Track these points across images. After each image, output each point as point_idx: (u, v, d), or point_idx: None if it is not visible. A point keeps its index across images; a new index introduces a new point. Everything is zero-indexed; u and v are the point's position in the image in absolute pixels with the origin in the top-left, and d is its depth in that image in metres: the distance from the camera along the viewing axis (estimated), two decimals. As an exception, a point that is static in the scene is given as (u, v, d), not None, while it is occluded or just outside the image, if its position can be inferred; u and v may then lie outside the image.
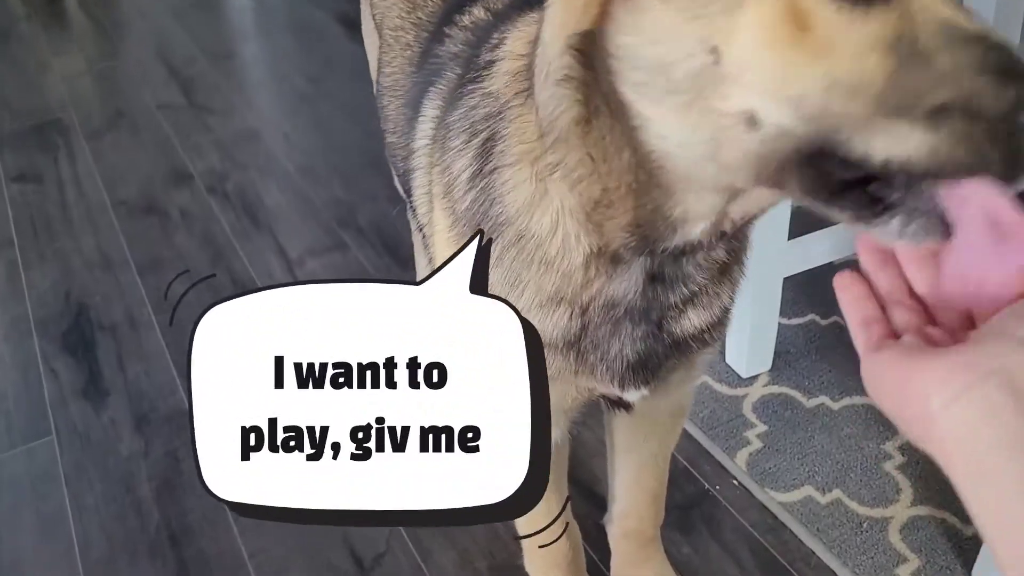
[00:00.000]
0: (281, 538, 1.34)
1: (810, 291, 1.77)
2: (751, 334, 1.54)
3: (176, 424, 1.56)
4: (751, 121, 0.51)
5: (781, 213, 1.43)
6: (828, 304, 1.74)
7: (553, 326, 0.75)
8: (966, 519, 1.29)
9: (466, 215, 0.76)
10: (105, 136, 2.60)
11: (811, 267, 1.58)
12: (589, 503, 1.34)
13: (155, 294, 1.90)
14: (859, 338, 0.54)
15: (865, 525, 1.31)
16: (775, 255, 1.49)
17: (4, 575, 1.32)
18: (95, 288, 1.94)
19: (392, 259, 1.94)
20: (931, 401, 0.46)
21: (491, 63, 0.76)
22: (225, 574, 1.29)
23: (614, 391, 0.81)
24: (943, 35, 0.47)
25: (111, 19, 3.56)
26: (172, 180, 2.33)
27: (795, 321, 1.70)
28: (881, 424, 1.47)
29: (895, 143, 0.48)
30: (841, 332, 1.68)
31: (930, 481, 1.37)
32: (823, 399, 1.53)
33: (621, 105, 0.58)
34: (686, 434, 1.47)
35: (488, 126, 0.74)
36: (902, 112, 0.47)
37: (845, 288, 0.56)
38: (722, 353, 1.60)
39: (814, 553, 1.28)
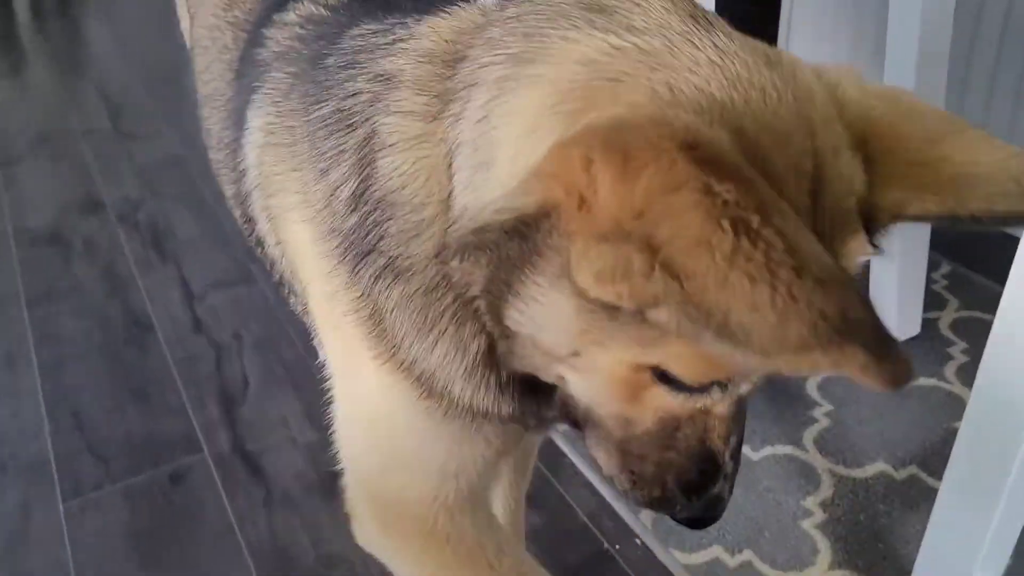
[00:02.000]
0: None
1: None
2: (665, 377, 1.42)
3: (35, 473, 1.42)
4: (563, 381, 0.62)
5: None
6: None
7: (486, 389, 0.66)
8: (887, 586, 1.16)
9: (351, 235, 0.64)
10: (22, 162, 2.48)
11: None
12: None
13: (40, 328, 1.76)
14: None
15: (775, 592, 1.18)
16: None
17: None
18: (-23, 322, 1.81)
19: (299, 293, 1.81)
20: None
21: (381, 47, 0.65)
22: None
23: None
24: (696, 449, 0.61)
25: (63, 43, 3.47)
26: (83, 208, 2.21)
27: (720, 363, 1.58)
28: (803, 477, 1.35)
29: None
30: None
31: (851, 541, 1.24)
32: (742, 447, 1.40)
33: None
34: (589, 487, 1.34)
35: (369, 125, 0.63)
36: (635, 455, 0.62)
37: None
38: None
39: (715, 622, 1.14)
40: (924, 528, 1.05)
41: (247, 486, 1.38)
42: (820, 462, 1.37)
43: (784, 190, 0.48)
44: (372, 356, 0.66)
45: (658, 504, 0.64)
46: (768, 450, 1.40)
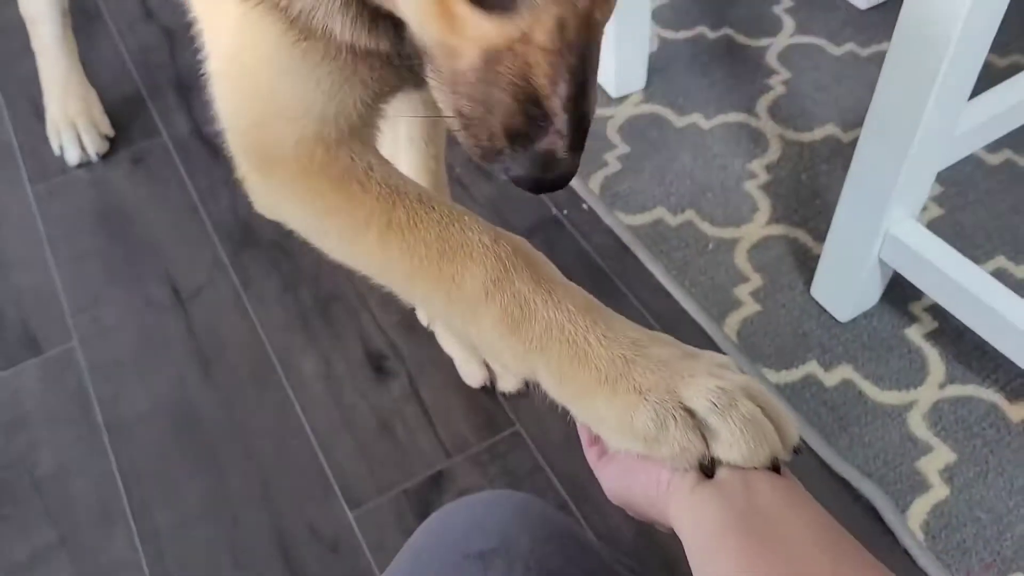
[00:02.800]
0: (100, 273, 1.27)
1: (702, 1, 1.59)
2: (621, 50, 1.39)
3: (0, 158, 1.45)
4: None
5: None
6: (721, 14, 1.57)
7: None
8: (819, 237, 1.22)
9: None
10: None
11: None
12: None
13: (-13, 20, 1.71)
14: (589, 455, 0.60)
15: (711, 246, 1.23)
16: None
17: None
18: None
19: None
20: (662, 480, 0.52)
21: None
22: (36, 308, 1.23)
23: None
24: (520, 87, 0.56)
25: None
26: None
27: (681, 35, 1.54)
28: (752, 142, 1.36)
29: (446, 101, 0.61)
30: (731, 44, 1.52)
31: (790, 200, 1.28)
32: (696, 117, 1.41)
33: None
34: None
35: None
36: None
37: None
38: (590, 69, 1.46)
39: (653, 275, 1.21)
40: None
41: (207, 166, 1.41)
42: (771, 127, 1.38)
43: None
44: (247, 2, 0.64)
45: (488, 154, 0.60)
46: (720, 118, 1.40)
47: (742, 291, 1.18)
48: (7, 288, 1.26)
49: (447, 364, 1.13)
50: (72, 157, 1.42)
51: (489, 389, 1.11)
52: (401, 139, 1.05)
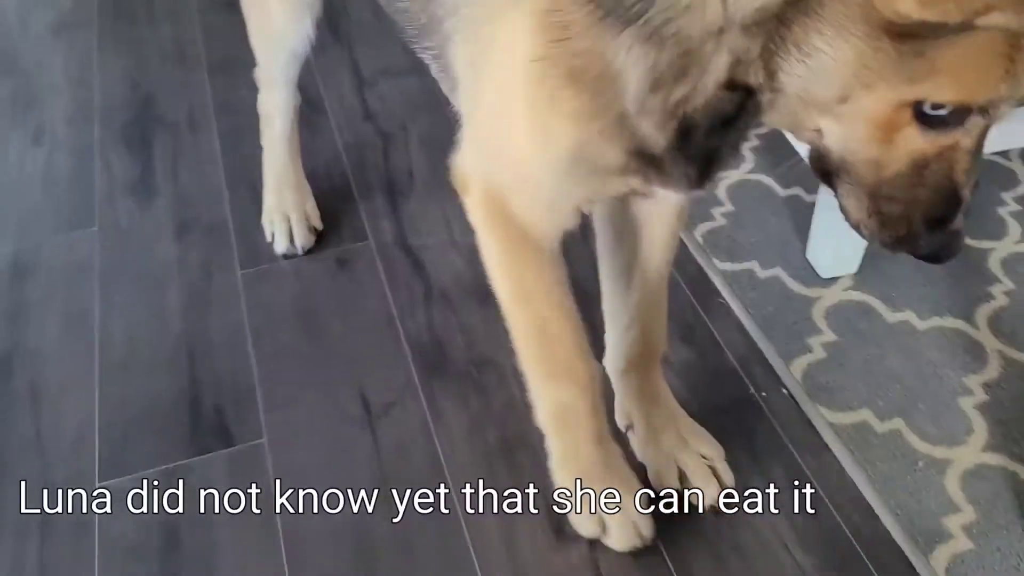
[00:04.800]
0: (297, 372, 1.30)
1: (923, 190, 1.55)
2: (836, 228, 1.35)
3: (216, 237, 1.51)
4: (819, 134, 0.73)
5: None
6: (941, 208, 1.52)
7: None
8: (1041, 478, 1.13)
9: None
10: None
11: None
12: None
13: (220, 96, 1.82)
14: None
15: (921, 464, 1.16)
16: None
17: (22, 360, 1.32)
18: (163, 82, 1.87)
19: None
20: None
21: None
22: (233, 398, 1.26)
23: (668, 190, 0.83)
24: (943, 184, 0.70)
25: None
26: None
27: (898, 222, 1.50)
28: (969, 354, 1.29)
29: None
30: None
31: (1011, 428, 1.20)
32: (908, 315, 1.35)
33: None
34: (740, 329, 1.33)
35: None
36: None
37: None
38: (802, 246, 1.43)
39: (854, 484, 1.15)
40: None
41: (408, 279, 1.43)
42: (990, 341, 1.31)
43: None
44: (565, 112, 0.74)
45: (903, 242, 0.74)
46: (935, 320, 1.34)
47: (952, 522, 1.10)
48: (208, 372, 1.30)
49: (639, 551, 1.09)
50: (280, 247, 1.47)
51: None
52: (642, 241, 1.07)
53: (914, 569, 1.06)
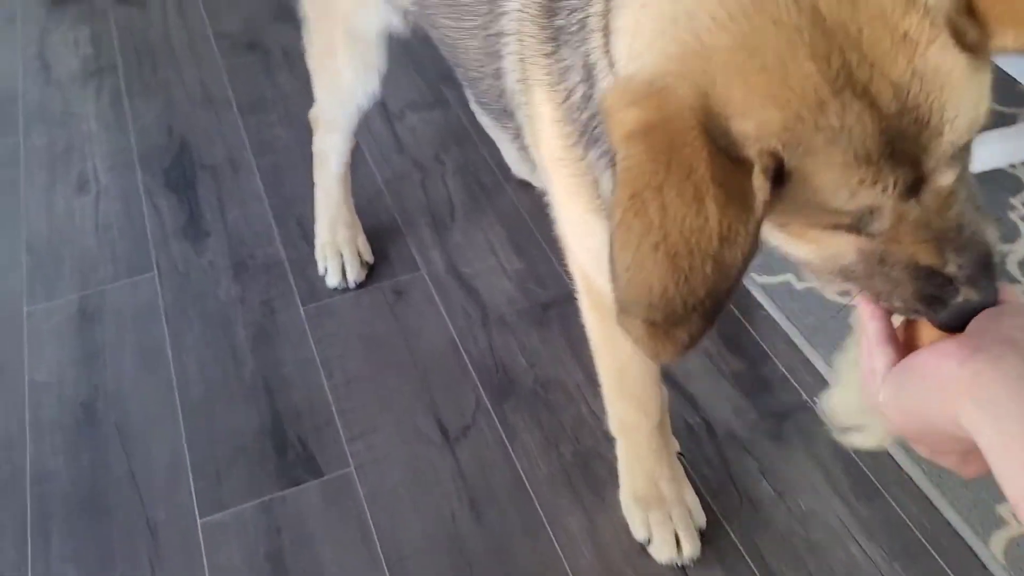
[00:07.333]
0: (371, 400, 1.36)
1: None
2: (871, 242, 1.45)
3: (273, 274, 1.56)
4: None
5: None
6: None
7: None
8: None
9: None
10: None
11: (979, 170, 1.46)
12: (678, 400, 1.32)
13: (255, 135, 1.87)
14: (871, 391, 0.69)
15: (969, 456, 1.25)
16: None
17: (105, 403, 1.37)
18: (197, 124, 1.92)
19: (496, 122, 1.86)
20: (950, 363, 0.59)
21: None
22: (314, 428, 1.32)
23: None
24: (911, 269, 0.65)
25: None
26: (275, 15, 2.27)
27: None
28: None
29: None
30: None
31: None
32: (939, 317, 1.44)
33: None
34: (787, 341, 1.42)
35: None
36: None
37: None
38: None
39: (911, 479, 1.23)
40: None
41: (464, 306, 1.50)
42: None
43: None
44: (587, 207, 0.88)
45: (908, 313, 0.68)
46: (965, 322, 1.43)
47: (1005, 509, 1.19)
48: (287, 405, 1.35)
49: (720, 551, 1.16)
50: (332, 281, 1.53)
51: None
52: None
53: (974, 553, 1.15)
